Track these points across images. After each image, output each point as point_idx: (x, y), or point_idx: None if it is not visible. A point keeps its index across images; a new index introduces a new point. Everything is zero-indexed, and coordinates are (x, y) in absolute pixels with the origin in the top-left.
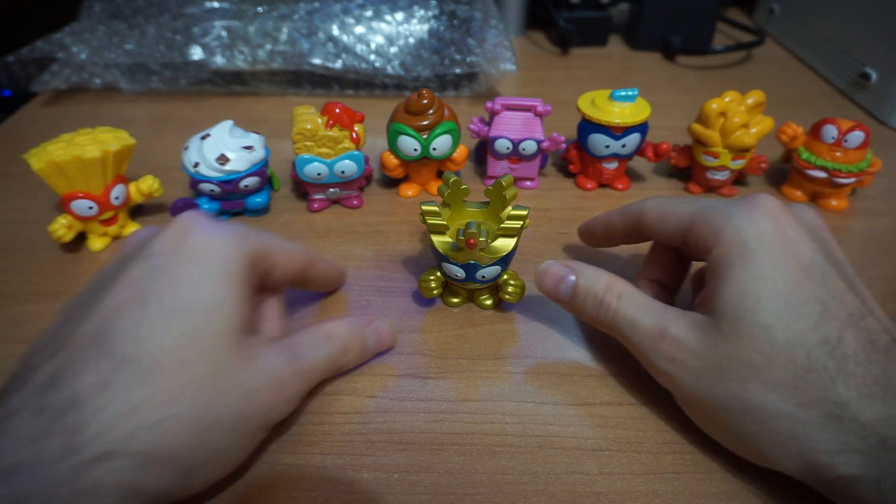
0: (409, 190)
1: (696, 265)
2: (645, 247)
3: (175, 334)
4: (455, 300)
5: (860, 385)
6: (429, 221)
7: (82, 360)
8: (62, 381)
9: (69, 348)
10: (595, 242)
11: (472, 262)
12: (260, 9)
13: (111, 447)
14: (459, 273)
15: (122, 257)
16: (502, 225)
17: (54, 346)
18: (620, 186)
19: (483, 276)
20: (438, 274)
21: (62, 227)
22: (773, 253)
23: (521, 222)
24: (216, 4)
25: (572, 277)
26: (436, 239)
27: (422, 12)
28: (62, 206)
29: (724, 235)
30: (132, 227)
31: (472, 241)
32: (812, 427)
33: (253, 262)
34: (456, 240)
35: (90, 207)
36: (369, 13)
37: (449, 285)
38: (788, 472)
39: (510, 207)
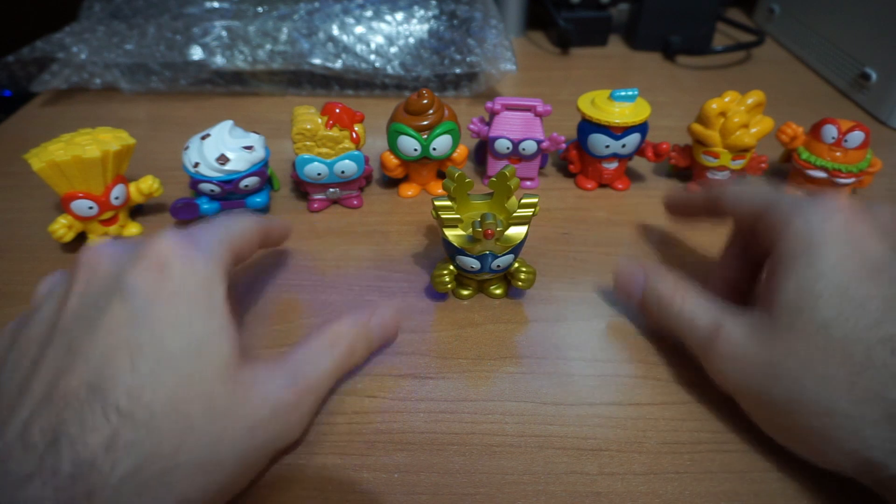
0: (409, 190)
1: None
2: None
3: (169, 384)
4: (465, 293)
5: None
6: (443, 216)
7: (83, 417)
8: (67, 440)
9: (65, 401)
10: (676, 212)
11: (486, 252)
12: (260, 9)
13: None
14: (475, 265)
15: (91, 292)
16: (515, 213)
17: (39, 389)
18: (620, 186)
19: (497, 266)
20: (451, 268)
21: (62, 227)
22: (838, 249)
23: (533, 210)
24: (216, 4)
25: (642, 279)
26: (449, 233)
27: (422, 12)
28: (62, 206)
29: (790, 227)
30: (132, 227)
31: (489, 232)
32: (868, 424)
33: (228, 272)
34: (473, 231)
35: (90, 207)
36: (369, 13)
37: (459, 278)
38: (843, 470)
39: (515, 197)
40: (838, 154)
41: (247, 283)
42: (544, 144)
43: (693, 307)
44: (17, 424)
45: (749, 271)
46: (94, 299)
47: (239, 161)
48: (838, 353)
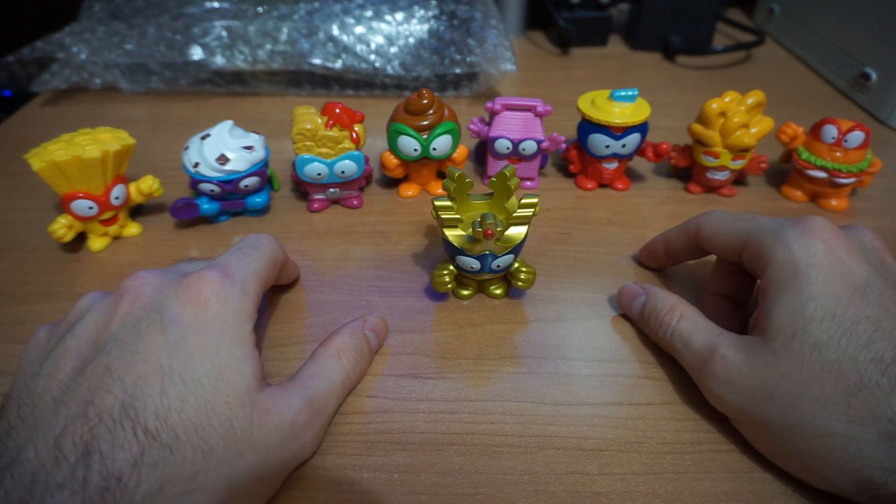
0: (409, 190)
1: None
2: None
3: (193, 407)
4: (465, 293)
5: None
6: (443, 216)
7: (115, 434)
8: (98, 455)
9: (99, 418)
10: (657, 262)
11: (486, 252)
12: (260, 9)
13: None
14: (475, 265)
15: (133, 318)
16: (514, 214)
17: (74, 405)
18: (620, 186)
19: (497, 266)
20: (451, 268)
21: (62, 227)
22: (825, 274)
23: (533, 210)
24: (216, 4)
25: (642, 297)
26: (449, 233)
27: (422, 12)
28: (62, 206)
29: (775, 257)
30: (132, 227)
31: (489, 232)
32: (866, 444)
33: (258, 304)
34: (473, 232)
35: (90, 207)
36: (369, 13)
37: (459, 278)
38: (842, 491)
39: (515, 197)
40: (838, 154)
41: None
42: (544, 144)
43: (688, 329)
44: (51, 436)
45: (741, 285)
46: (135, 325)
47: (239, 161)
48: (832, 375)
